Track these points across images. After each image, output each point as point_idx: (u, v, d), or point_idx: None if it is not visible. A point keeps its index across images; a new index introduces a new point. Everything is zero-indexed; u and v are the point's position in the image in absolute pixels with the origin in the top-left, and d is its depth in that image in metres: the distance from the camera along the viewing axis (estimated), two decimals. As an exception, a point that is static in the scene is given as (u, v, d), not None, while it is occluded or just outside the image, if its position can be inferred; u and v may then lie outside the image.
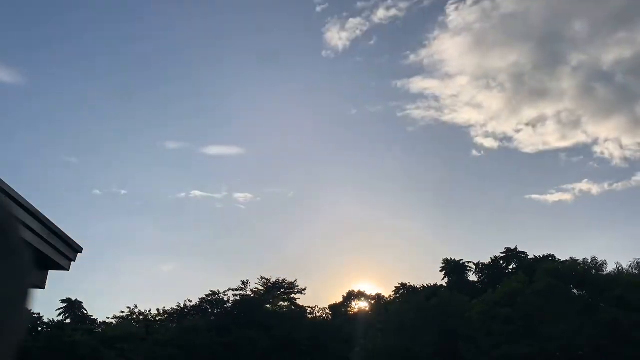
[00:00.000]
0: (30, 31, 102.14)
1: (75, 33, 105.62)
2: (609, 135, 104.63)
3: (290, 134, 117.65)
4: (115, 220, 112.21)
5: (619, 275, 62.71)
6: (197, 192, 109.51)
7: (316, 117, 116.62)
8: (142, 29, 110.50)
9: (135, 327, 72.72)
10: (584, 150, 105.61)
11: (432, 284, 74.04)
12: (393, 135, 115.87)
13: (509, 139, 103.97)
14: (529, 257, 75.70)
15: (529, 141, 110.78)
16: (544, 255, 73.70)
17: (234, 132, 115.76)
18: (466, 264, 77.69)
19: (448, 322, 59.63)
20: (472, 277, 77.58)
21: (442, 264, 77.78)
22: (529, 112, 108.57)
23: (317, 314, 76.48)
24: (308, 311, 76.01)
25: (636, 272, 62.28)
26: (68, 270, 7.16)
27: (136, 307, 76.05)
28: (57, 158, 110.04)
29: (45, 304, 76.40)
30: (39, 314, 70.88)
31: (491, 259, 78.26)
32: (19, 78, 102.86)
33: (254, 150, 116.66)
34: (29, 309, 0.82)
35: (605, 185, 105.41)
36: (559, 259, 70.76)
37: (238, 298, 76.54)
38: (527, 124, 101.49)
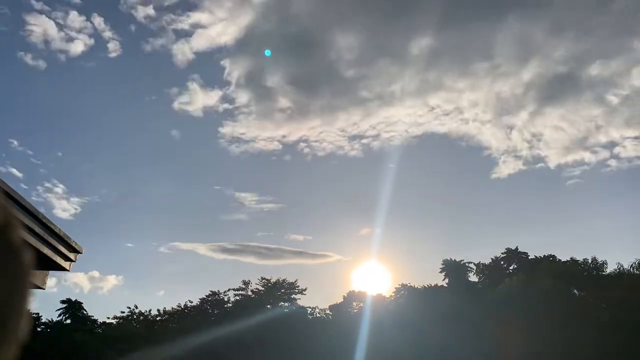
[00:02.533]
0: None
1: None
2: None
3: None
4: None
5: (620, 275, 62.68)
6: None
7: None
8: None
9: (135, 328, 72.73)
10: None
11: (432, 285, 74.00)
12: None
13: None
14: (529, 257, 75.61)
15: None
16: (544, 256, 73.61)
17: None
18: (466, 264, 77.60)
19: (449, 323, 59.60)
20: (473, 277, 77.54)
21: (442, 264, 77.68)
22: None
23: (318, 314, 76.46)
24: (308, 311, 75.99)
25: (637, 272, 62.23)
26: (68, 270, 7.15)
27: (136, 307, 76.16)
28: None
29: (45, 304, 76.57)
30: (39, 314, 70.93)
31: (491, 259, 78.24)
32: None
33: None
34: (29, 309, 0.83)
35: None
36: (559, 260, 70.71)
37: (239, 298, 76.58)
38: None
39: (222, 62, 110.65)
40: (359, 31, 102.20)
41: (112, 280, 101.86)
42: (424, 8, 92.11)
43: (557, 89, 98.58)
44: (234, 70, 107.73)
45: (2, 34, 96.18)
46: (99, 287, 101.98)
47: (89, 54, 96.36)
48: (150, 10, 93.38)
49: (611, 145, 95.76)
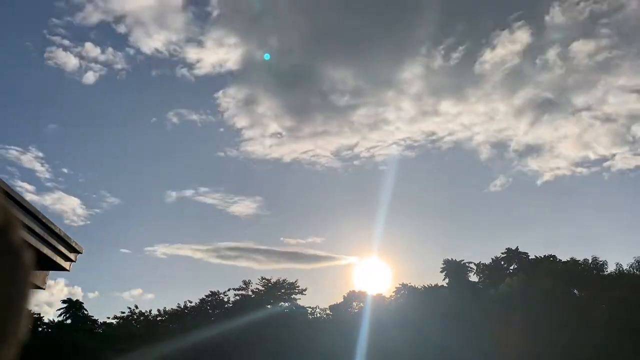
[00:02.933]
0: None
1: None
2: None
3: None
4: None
5: (620, 275, 62.70)
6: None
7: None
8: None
9: (135, 328, 72.76)
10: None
11: (432, 285, 74.03)
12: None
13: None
14: (529, 257, 75.65)
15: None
16: (544, 256, 73.64)
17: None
18: (467, 264, 77.66)
19: (449, 323, 59.61)
20: (473, 277, 77.59)
21: (443, 264, 77.74)
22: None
23: (318, 314, 76.51)
24: (309, 311, 76.05)
25: (637, 272, 62.25)
26: (69, 270, 7.16)
27: (137, 307, 76.25)
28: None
29: (46, 304, 76.73)
30: (39, 314, 71.00)
31: (492, 259, 78.30)
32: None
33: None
34: (29, 309, 0.83)
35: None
36: (559, 259, 70.71)
37: (239, 298, 76.61)
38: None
39: (219, 91, 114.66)
40: (350, 63, 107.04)
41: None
42: (414, 39, 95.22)
43: (547, 112, 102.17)
44: (229, 97, 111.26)
45: (24, 64, 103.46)
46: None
47: (100, 82, 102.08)
48: (157, 43, 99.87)
49: (602, 160, 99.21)
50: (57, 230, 6.41)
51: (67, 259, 6.97)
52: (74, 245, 6.96)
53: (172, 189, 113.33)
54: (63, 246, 6.72)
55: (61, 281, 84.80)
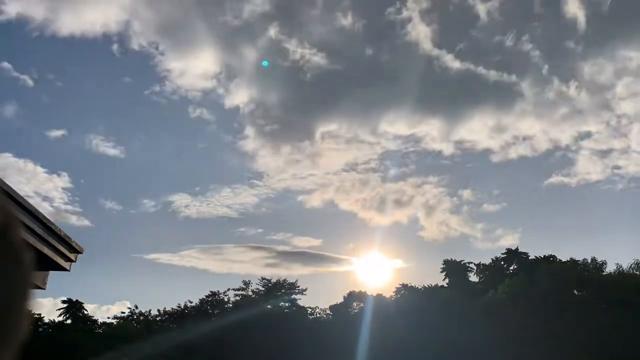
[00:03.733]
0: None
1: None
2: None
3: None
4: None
5: (620, 275, 62.72)
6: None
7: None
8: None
9: (135, 328, 72.72)
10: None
11: (432, 285, 74.02)
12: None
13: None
14: (529, 257, 75.60)
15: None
16: (544, 256, 73.58)
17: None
18: (467, 264, 77.63)
19: (449, 323, 59.63)
20: (473, 277, 77.56)
21: (443, 264, 77.73)
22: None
23: (318, 314, 76.49)
24: (309, 311, 76.03)
25: (637, 272, 62.27)
26: (69, 270, 7.15)
27: (137, 307, 76.23)
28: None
29: (46, 304, 76.73)
30: (40, 314, 70.93)
31: (492, 259, 78.30)
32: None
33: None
34: (30, 309, 0.84)
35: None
36: (559, 260, 70.65)
37: (239, 299, 76.61)
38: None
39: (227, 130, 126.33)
40: (340, 119, 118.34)
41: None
42: (403, 96, 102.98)
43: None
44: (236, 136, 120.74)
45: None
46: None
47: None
48: (168, 93, 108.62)
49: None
50: (57, 230, 6.40)
51: (68, 259, 6.96)
52: (74, 245, 6.94)
53: (175, 203, 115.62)
54: (63, 246, 6.71)
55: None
